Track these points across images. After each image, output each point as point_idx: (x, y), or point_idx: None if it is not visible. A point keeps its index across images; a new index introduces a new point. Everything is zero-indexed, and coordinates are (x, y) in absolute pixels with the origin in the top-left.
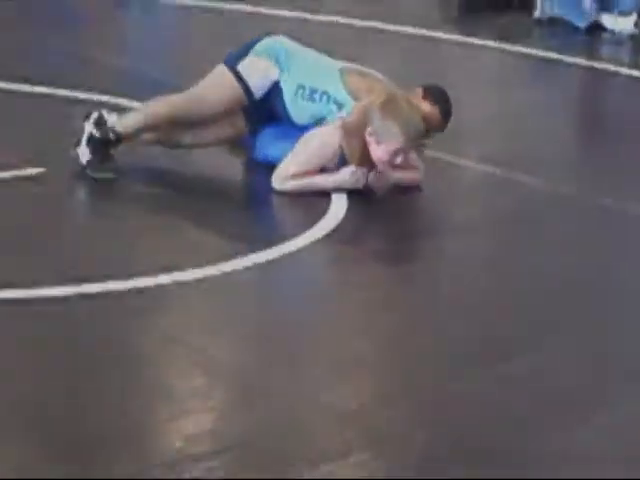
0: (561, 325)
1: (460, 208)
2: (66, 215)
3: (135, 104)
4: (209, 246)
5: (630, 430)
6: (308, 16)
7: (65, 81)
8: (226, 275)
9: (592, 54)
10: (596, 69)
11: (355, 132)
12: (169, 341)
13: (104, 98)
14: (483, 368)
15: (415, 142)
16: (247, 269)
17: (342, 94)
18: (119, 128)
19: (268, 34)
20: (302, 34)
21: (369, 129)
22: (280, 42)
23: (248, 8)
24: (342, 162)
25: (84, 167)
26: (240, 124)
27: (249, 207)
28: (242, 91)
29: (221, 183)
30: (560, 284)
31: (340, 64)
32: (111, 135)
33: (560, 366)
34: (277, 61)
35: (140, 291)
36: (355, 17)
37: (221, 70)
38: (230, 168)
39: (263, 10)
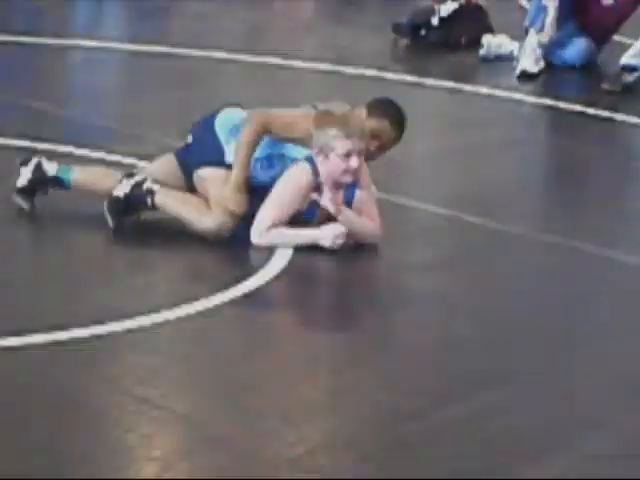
0: (513, 366)
1: (411, 250)
2: (8, 264)
3: (79, 151)
4: (151, 294)
5: (581, 473)
6: (255, 59)
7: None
8: (169, 323)
9: (542, 92)
10: (545, 106)
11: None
12: (113, 391)
13: (47, 146)
14: (433, 411)
15: (361, 141)
16: (191, 317)
17: (294, 150)
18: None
19: (213, 115)
20: (254, 77)
21: (315, 149)
22: (230, 119)
23: (196, 53)
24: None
25: (16, 189)
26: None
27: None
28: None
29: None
30: (512, 324)
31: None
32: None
33: (513, 407)
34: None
35: (82, 340)
36: (307, 59)
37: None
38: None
39: (211, 54)
